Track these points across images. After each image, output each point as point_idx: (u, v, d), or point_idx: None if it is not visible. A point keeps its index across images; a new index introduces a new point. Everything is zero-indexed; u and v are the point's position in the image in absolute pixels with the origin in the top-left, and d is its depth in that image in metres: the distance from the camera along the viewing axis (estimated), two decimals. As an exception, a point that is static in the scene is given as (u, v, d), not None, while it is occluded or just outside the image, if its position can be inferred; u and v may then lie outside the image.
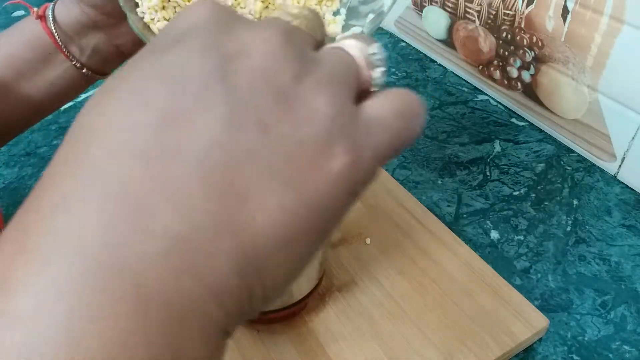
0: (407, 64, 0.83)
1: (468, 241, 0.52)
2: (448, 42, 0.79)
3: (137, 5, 0.37)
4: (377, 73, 0.18)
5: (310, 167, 0.15)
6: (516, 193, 0.59)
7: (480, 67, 0.75)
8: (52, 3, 0.43)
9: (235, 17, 0.17)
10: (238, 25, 0.16)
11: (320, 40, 0.19)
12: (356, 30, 0.41)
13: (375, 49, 0.19)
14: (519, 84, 0.69)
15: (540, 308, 0.45)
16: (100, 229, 0.13)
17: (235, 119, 0.14)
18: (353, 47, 0.18)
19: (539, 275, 0.49)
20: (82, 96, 0.56)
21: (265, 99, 0.15)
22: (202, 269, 0.13)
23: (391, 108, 0.17)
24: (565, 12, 0.60)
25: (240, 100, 0.14)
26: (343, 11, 0.43)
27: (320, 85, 0.15)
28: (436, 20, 0.80)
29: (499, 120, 0.70)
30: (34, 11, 0.42)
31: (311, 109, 0.15)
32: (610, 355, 0.43)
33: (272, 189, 0.14)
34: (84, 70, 0.44)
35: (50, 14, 0.42)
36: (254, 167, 0.14)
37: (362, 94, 0.18)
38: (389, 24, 0.91)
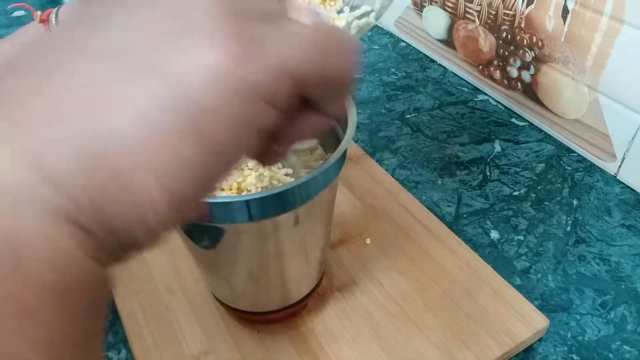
0: (407, 64, 0.83)
1: (468, 241, 0.52)
2: (448, 42, 0.79)
3: None
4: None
5: (186, 56, 0.13)
6: (516, 193, 0.59)
7: (480, 67, 0.75)
8: (56, 7, 0.43)
9: None
10: None
11: None
12: (366, 9, 0.40)
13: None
14: (519, 84, 0.69)
15: (540, 308, 0.45)
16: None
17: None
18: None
19: (539, 275, 0.49)
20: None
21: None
22: (39, 151, 0.12)
23: (321, 33, 0.15)
24: (565, 12, 0.60)
25: None
26: (347, 9, 0.43)
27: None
28: (436, 20, 0.80)
29: (499, 120, 0.70)
30: (37, 15, 0.42)
31: None
32: (610, 355, 0.43)
33: (140, 78, 0.13)
34: None
35: (53, 18, 0.42)
36: (135, 54, 0.13)
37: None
38: (389, 24, 0.91)
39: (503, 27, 0.69)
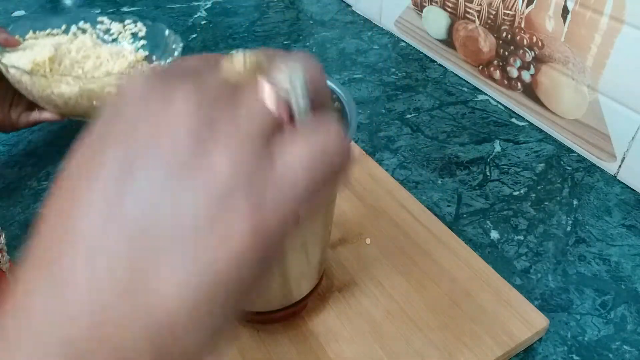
0: (407, 64, 0.83)
1: (468, 241, 0.52)
2: (448, 42, 0.79)
3: None
4: (301, 105, 0.18)
5: (207, 238, 0.15)
6: (516, 193, 0.59)
7: (480, 67, 0.75)
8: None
9: (152, 88, 0.17)
10: (153, 101, 0.17)
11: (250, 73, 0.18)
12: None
13: (298, 77, 0.18)
14: (519, 84, 0.69)
15: (540, 308, 0.45)
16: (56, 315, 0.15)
17: (141, 195, 0.15)
18: (275, 80, 0.18)
19: (539, 275, 0.49)
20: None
21: (164, 170, 0.15)
22: (115, 339, 0.15)
23: (309, 150, 0.17)
24: (565, 12, 0.60)
25: (144, 179, 0.15)
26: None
27: (224, 145, 0.16)
28: (436, 20, 0.80)
29: (499, 120, 0.70)
30: None
31: (211, 174, 0.15)
32: (610, 355, 0.43)
33: (171, 263, 0.15)
34: None
35: None
36: (159, 240, 0.15)
37: (285, 130, 0.17)
38: (389, 24, 0.91)
39: (503, 27, 0.69)
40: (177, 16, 1.00)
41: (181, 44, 0.69)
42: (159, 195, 0.15)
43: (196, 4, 1.04)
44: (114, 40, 0.74)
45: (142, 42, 0.73)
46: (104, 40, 0.73)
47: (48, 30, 0.70)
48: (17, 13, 1.01)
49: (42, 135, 0.69)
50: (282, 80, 0.18)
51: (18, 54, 0.62)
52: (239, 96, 0.17)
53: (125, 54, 0.69)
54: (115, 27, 0.74)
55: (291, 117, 0.18)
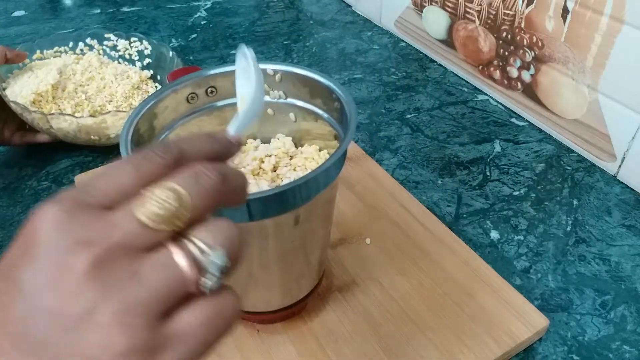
0: (407, 64, 0.83)
1: (468, 241, 0.52)
2: (448, 42, 0.79)
3: None
4: (208, 281, 0.19)
5: None
6: (516, 193, 0.59)
7: (480, 67, 0.75)
8: None
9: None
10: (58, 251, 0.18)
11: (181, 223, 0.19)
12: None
13: (217, 257, 0.19)
14: (519, 84, 0.69)
15: (540, 308, 0.45)
16: None
17: None
18: (193, 251, 0.19)
19: (539, 275, 0.49)
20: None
21: (55, 337, 0.17)
22: None
23: (200, 316, 0.18)
24: (565, 12, 0.60)
25: (33, 343, 0.17)
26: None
27: (115, 319, 0.17)
28: (436, 20, 0.80)
29: (499, 120, 0.70)
30: None
31: (99, 349, 0.16)
32: (610, 355, 0.43)
33: None
34: None
35: None
36: None
37: (189, 296, 0.19)
38: (389, 24, 0.91)
39: (503, 27, 0.69)
40: (177, 16, 1.00)
41: (182, 64, 0.71)
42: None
43: (196, 4, 1.04)
44: (121, 56, 0.75)
45: (148, 60, 0.75)
46: (110, 57, 0.75)
47: (55, 49, 0.72)
48: (17, 13, 1.01)
49: (42, 135, 0.69)
50: (203, 248, 0.19)
51: (22, 81, 0.65)
52: (145, 259, 0.18)
53: (130, 74, 0.71)
54: (122, 44, 0.76)
55: (197, 282, 0.19)
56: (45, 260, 0.17)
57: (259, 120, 0.31)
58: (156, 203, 0.18)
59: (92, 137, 0.60)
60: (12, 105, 0.59)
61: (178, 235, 0.19)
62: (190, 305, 0.18)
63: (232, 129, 0.26)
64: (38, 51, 0.70)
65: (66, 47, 0.73)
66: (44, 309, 0.17)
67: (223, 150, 0.23)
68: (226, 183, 0.20)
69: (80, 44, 0.74)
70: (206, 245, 0.19)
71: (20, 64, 0.67)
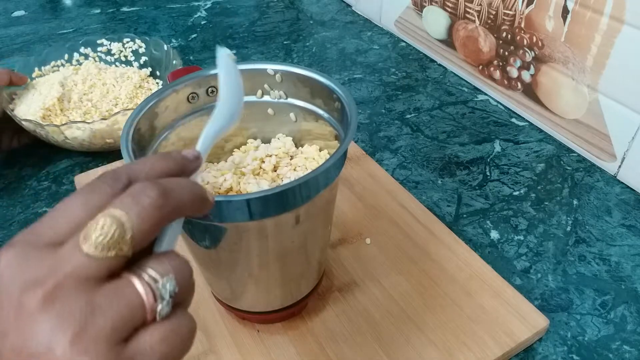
0: (407, 64, 0.83)
1: (468, 241, 0.52)
2: (448, 42, 0.79)
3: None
4: (163, 307, 0.20)
5: None
6: (516, 193, 0.59)
7: (480, 67, 0.75)
8: None
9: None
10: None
11: (125, 253, 0.20)
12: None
13: (168, 283, 0.20)
14: (519, 84, 0.69)
15: (540, 308, 0.45)
16: None
17: None
18: (147, 280, 0.20)
19: (539, 275, 0.49)
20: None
21: None
22: None
23: (158, 335, 0.20)
24: (565, 12, 0.60)
25: None
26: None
27: (74, 349, 0.17)
28: (436, 20, 0.80)
29: (499, 120, 0.70)
30: None
31: None
32: (610, 355, 0.43)
33: None
34: None
35: None
36: None
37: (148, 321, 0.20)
38: (389, 24, 0.91)
39: (503, 27, 0.69)
40: (177, 16, 1.00)
41: (181, 60, 0.71)
42: None
43: (196, 4, 1.04)
44: (117, 60, 0.75)
45: (144, 58, 0.75)
46: (107, 62, 0.75)
47: (52, 63, 0.72)
48: (17, 13, 1.01)
49: (42, 135, 0.69)
50: (154, 276, 0.20)
51: (28, 99, 0.66)
52: (100, 289, 0.19)
53: (129, 74, 0.71)
54: (115, 46, 0.76)
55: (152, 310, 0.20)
56: (4, 303, 0.18)
57: (235, 125, 0.32)
58: (98, 231, 0.19)
59: (106, 140, 0.61)
60: (25, 124, 0.59)
61: (132, 266, 0.20)
62: (148, 328, 0.20)
63: (199, 143, 0.27)
64: (36, 69, 0.71)
65: (62, 60, 0.73)
66: (12, 350, 0.18)
67: (178, 168, 0.24)
68: (169, 197, 0.21)
69: (75, 55, 0.74)
70: (157, 273, 0.20)
71: (22, 85, 0.68)
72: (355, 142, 0.66)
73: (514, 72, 0.70)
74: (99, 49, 0.76)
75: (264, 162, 0.42)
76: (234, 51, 0.88)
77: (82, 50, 0.75)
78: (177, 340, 0.20)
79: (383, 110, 0.72)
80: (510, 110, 0.72)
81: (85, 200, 0.20)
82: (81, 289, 0.18)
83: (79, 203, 0.20)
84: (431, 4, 0.80)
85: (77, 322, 0.18)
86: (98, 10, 1.02)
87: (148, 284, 0.20)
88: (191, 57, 0.86)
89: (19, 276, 0.18)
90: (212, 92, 0.42)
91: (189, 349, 0.21)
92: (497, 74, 0.72)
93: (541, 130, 0.68)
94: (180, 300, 0.21)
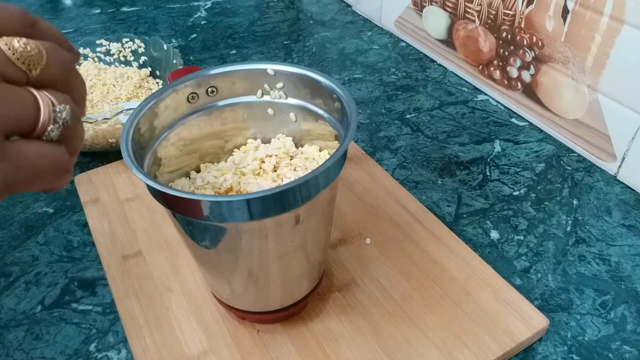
0: (407, 64, 0.83)
1: (468, 241, 0.52)
2: (448, 42, 0.79)
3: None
4: (53, 128, 0.22)
5: None
6: (516, 193, 0.59)
7: (480, 67, 0.75)
8: None
9: None
10: None
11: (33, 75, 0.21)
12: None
13: (65, 112, 0.22)
14: (519, 84, 0.70)
15: (540, 308, 0.45)
16: None
17: None
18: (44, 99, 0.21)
19: (539, 275, 0.49)
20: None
21: None
22: None
23: (36, 149, 0.21)
24: (565, 12, 0.60)
25: None
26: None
27: None
28: (436, 20, 0.80)
29: (499, 120, 0.70)
30: None
31: None
32: (610, 355, 0.43)
33: None
34: None
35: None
36: None
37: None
38: (389, 24, 0.91)
39: (503, 27, 0.69)
40: (177, 16, 1.00)
41: (181, 59, 0.71)
42: None
43: (196, 4, 1.04)
44: (116, 60, 0.75)
45: (144, 58, 0.75)
46: (106, 63, 0.75)
47: None
48: (17, 13, 1.01)
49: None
50: (53, 100, 0.22)
51: None
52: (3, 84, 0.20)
53: (129, 74, 0.71)
54: (115, 47, 0.76)
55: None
56: None
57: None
58: (22, 44, 0.21)
59: (109, 140, 0.61)
60: None
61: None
62: (31, 140, 0.21)
63: None
64: None
65: None
66: None
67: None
68: (73, 70, 0.24)
69: None
70: (56, 100, 0.22)
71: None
72: (355, 142, 0.66)
73: (514, 72, 0.70)
74: (98, 49, 0.76)
75: (264, 162, 0.42)
76: (234, 51, 0.88)
77: (80, 50, 0.75)
78: (47, 164, 0.21)
79: (383, 110, 0.72)
80: (510, 110, 0.72)
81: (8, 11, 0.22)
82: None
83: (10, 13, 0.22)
84: (431, 4, 0.80)
85: None
86: (98, 10, 1.02)
87: (47, 103, 0.21)
88: (191, 57, 0.86)
89: None
90: (212, 92, 0.42)
91: (50, 182, 0.22)
92: (497, 74, 0.72)
93: (541, 130, 0.68)
94: (65, 136, 0.22)
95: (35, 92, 0.21)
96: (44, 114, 0.21)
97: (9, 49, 0.20)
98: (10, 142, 0.20)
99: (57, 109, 0.22)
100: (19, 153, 0.20)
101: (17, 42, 0.21)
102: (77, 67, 0.73)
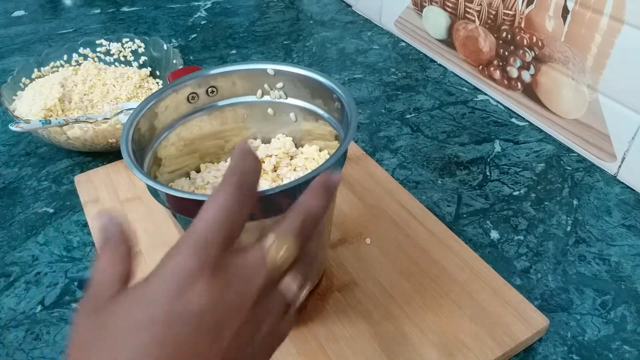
0: (407, 64, 0.83)
1: (468, 241, 0.52)
2: (448, 42, 0.79)
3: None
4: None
5: None
6: (516, 193, 0.59)
7: (480, 67, 0.75)
8: None
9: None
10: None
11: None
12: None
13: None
14: (519, 84, 0.70)
15: (540, 308, 0.45)
16: None
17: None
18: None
19: (539, 275, 0.49)
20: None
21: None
22: None
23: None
24: (565, 12, 0.60)
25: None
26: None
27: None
28: (436, 20, 0.80)
29: (499, 120, 0.70)
30: None
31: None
32: (610, 355, 0.43)
33: None
34: None
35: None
36: None
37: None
38: (389, 24, 0.91)
39: (503, 27, 0.69)
40: (177, 16, 1.00)
41: (181, 59, 0.71)
42: None
43: (196, 4, 1.04)
44: (116, 60, 0.75)
45: (144, 58, 0.75)
46: (106, 63, 0.75)
47: (51, 64, 0.72)
48: (17, 13, 1.01)
49: (42, 135, 0.69)
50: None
51: (28, 100, 0.65)
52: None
53: (129, 74, 0.71)
54: (115, 47, 0.76)
55: None
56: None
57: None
58: (282, 252, 0.26)
59: (109, 140, 0.61)
60: (27, 127, 0.59)
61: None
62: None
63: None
64: (36, 70, 0.71)
65: (61, 61, 0.73)
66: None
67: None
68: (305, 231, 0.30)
69: (75, 55, 0.74)
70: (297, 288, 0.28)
71: (22, 84, 0.68)
72: (355, 142, 0.66)
73: (514, 72, 0.70)
74: (98, 49, 0.75)
75: (264, 162, 0.42)
76: (234, 51, 0.88)
77: (80, 50, 0.75)
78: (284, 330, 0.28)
79: (383, 110, 0.72)
80: (510, 110, 0.72)
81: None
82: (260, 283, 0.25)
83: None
84: (431, 4, 0.80)
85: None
86: (98, 10, 1.02)
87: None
88: (191, 57, 0.86)
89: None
90: (212, 92, 0.42)
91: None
92: (497, 74, 0.72)
93: (541, 130, 0.68)
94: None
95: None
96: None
97: (274, 259, 0.26)
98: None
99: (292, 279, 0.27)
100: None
101: (277, 253, 0.26)
102: (77, 67, 0.73)
